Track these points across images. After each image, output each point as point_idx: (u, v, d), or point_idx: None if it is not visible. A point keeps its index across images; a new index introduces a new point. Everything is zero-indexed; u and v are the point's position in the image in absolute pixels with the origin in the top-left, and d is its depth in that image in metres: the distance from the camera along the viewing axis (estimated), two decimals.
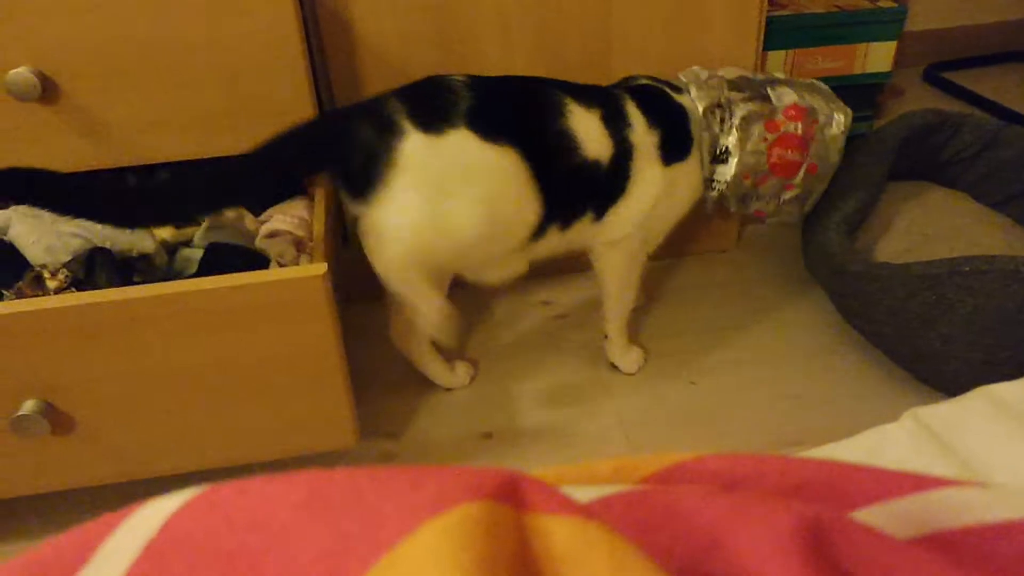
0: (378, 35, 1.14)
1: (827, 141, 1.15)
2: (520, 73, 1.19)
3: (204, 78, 0.96)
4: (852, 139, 1.19)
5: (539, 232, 1.02)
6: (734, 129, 1.11)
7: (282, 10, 0.95)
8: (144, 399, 0.91)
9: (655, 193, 1.09)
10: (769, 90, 1.14)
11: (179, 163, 1.02)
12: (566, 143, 1.00)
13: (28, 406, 0.86)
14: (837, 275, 1.18)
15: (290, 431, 0.98)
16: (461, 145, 0.92)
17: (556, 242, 1.07)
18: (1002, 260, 1.00)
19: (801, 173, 1.16)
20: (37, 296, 0.87)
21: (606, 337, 1.24)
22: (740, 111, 1.11)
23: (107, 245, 0.94)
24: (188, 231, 1.01)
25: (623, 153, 1.04)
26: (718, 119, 1.11)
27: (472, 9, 1.15)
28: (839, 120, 1.15)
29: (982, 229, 1.30)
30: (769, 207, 1.19)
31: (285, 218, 1.04)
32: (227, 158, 0.93)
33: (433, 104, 0.93)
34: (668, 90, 1.13)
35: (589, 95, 1.04)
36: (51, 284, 0.89)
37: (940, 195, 1.41)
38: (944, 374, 1.11)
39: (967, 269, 1.02)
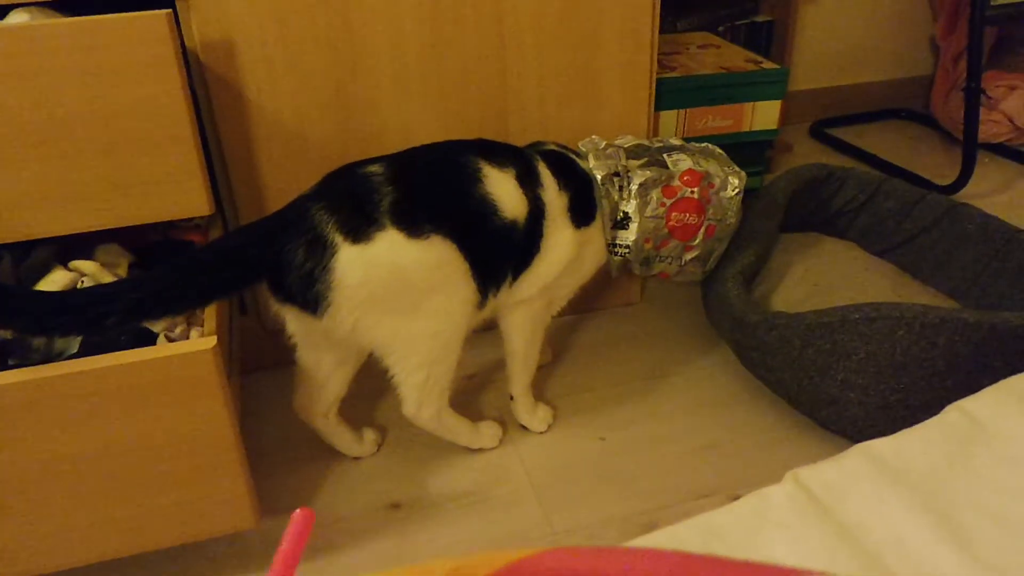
0: (272, 102, 1.13)
1: (723, 203, 1.19)
2: (418, 137, 1.20)
3: (85, 149, 0.93)
4: (745, 194, 1.23)
5: (482, 303, 1.05)
6: (633, 196, 1.14)
7: (167, 78, 0.92)
8: (24, 492, 0.84)
9: (567, 254, 1.11)
10: (665, 157, 1.18)
11: (59, 239, 0.98)
12: (487, 208, 1.01)
13: None
14: (737, 326, 1.20)
15: (185, 515, 0.92)
16: (390, 247, 0.94)
17: (489, 311, 1.09)
18: (888, 307, 1.04)
19: (700, 235, 1.19)
20: None
21: (511, 398, 1.23)
22: (638, 178, 1.14)
23: None
24: None
25: (537, 212, 1.06)
26: (616, 187, 1.14)
27: (370, 76, 1.15)
28: (733, 183, 1.19)
29: (870, 277, 1.36)
30: (671, 268, 1.22)
31: None
32: (154, 271, 0.88)
33: (356, 208, 0.93)
34: (574, 156, 1.16)
35: (502, 155, 1.06)
36: None
37: (830, 245, 1.47)
38: (843, 419, 1.14)
39: (857, 317, 1.05)
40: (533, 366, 1.22)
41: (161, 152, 0.96)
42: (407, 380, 1.05)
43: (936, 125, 2.38)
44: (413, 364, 1.04)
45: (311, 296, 0.93)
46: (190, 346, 0.84)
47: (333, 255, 0.91)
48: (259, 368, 1.35)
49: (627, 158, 1.17)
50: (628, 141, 1.22)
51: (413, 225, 0.95)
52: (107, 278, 1.00)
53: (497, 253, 1.05)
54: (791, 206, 1.44)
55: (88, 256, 1.05)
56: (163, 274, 0.86)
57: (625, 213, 1.15)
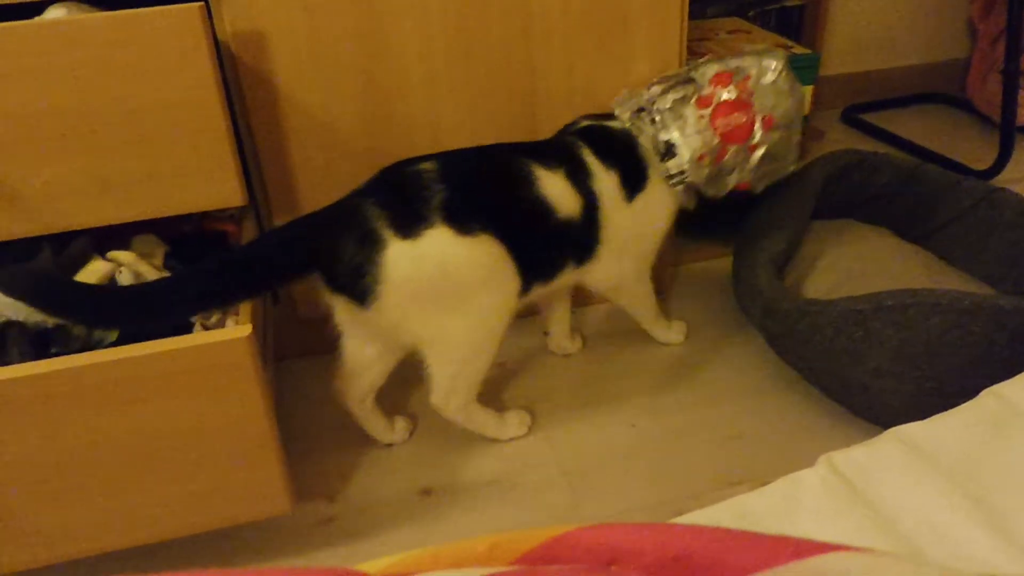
0: (302, 93, 1.14)
1: (768, 90, 1.14)
2: (447, 128, 1.21)
3: (120, 141, 0.94)
4: (776, 181, 1.21)
5: (524, 292, 1.06)
6: (668, 121, 1.12)
7: (200, 70, 0.94)
8: (65, 477, 0.86)
9: (627, 232, 1.13)
10: (694, 73, 1.15)
11: (96, 229, 1.00)
12: (540, 209, 1.03)
13: None
14: (768, 314, 1.20)
15: (221, 500, 0.94)
16: (439, 244, 0.95)
17: (540, 293, 1.11)
18: (923, 294, 1.03)
19: (757, 131, 1.14)
20: None
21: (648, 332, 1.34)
22: (664, 102, 1.12)
23: (20, 318, 0.91)
24: None
25: (591, 204, 1.08)
26: (648, 120, 1.13)
27: (397, 66, 1.16)
28: (771, 65, 1.14)
29: (904, 264, 1.34)
30: (746, 176, 1.18)
31: None
32: (208, 264, 0.92)
33: (407, 205, 0.95)
34: (608, 123, 1.16)
35: (550, 155, 1.07)
36: None
37: (863, 232, 1.45)
38: (876, 407, 1.13)
39: (891, 304, 1.04)
40: (654, 308, 1.31)
41: (194, 143, 0.97)
42: (439, 371, 1.06)
43: (973, 109, 2.33)
44: (448, 358, 1.05)
45: (359, 288, 0.95)
46: (225, 334, 0.85)
47: (383, 250, 0.93)
48: (292, 356, 1.37)
49: (648, 89, 1.15)
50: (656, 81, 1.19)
51: (462, 223, 0.96)
52: (144, 267, 1.02)
53: (550, 250, 1.07)
54: (823, 193, 1.42)
55: (125, 246, 1.07)
56: (218, 266, 0.90)
57: (667, 142, 1.13)
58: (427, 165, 0.99)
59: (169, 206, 1.00)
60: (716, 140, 1.13)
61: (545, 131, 1.21)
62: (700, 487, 1.11)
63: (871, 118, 2.30)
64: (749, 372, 1.33)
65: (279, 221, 1.21)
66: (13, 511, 0.87)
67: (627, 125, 1.14)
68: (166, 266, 1.07)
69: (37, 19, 0.95)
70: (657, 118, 1.13)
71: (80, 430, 0.84)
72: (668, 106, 1.12)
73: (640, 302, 1.28)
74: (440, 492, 1.12)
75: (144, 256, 1.06)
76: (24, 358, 0.88)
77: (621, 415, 1.24)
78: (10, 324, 0.91)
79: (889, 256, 1.37)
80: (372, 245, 0.93)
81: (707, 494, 1.10)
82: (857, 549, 0.35)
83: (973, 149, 2.08)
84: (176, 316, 0.86)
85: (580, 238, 1.09)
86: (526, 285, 1.05)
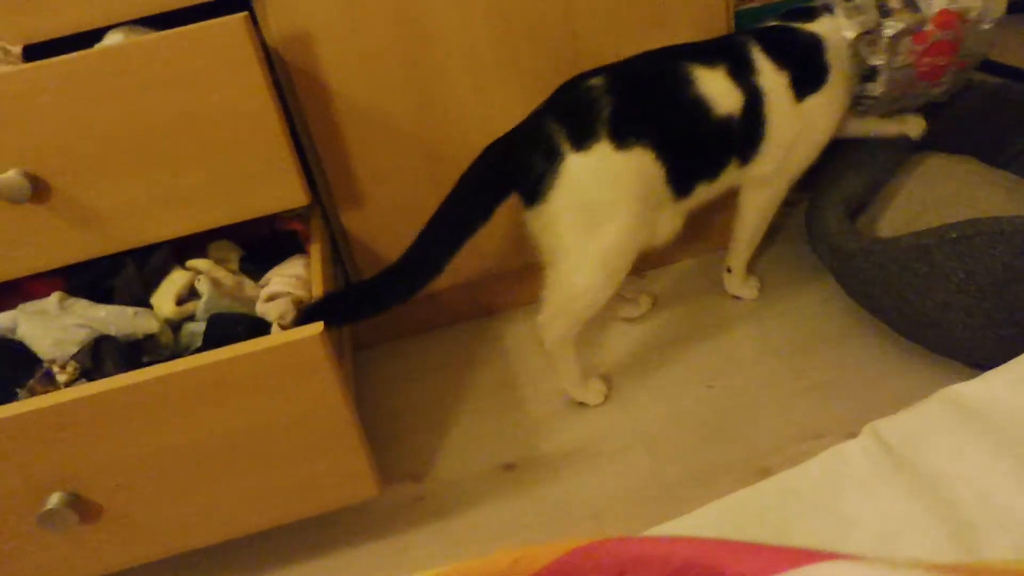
0: (352, 88, 1.16)
1: (978, 36, 1.12)
2: (495, 105, 1.21)
3: (185, 155, 0.98)
4: None
5: (687, 193, 1.10)
6: (883, 48, 1.10)
7: (251, 78, 0.96)
8: (166, 478, 0.92)
9: (793, 131, 1.14)
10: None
11: (174, 240, 1.05)
12: (699, 109, 1.06)
13: (54, 500, 0.88)
14: (836, 255, 1.17)
15: (312, 490, 0.99)
16: (602, 157, 1.02)
17: (707, 194, 1.14)
18: (986, 222, 0.99)
19: (949, 73, 1.14)
20: (48, 392, 0.89)
21: (728, 271, 1.35)
22: (889, 31, 1.09)
23: (111, 332, 0.96)
24: (189, 307, 1.03)
25: (754, 100, 1.09)
26: (866, 43, 1.11)
27: (439, 49, 1.16)
28: (994, 11, 1.11)
29: (983, 191, 1.28)
30: (915, 104, 1.22)
31: (283, 279, 1.06)
32: (445, 204, 1.04)
33: (580, 119, 1.02)
34: (798, 24, 1.16)
35: (713, 53, 1.10)
36: (61, 378, 0.92)
37: (942, 161, 1.38)
38: (950, 342, 1.10)
39: (954, 236, 1.01)
40: (758, 242, 1.32)
41: (255, 150, 1.01)
42: (558, 290, 1.11)
43: None
44: (571, 280, 1.09)
45: (534, 191, 1.03)
46: (299, 333, 0.89)
47: (562, 162, 1.01)
48: (371, 345, 1.41)
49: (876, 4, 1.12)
50: None
51: (620, 136, 1.01)
52: (221, 273, 1.07)
53: (712, 147, 1.09)
54: None
55: (202, 253, 1.12)
56: (455, 201, 1.03)
57: (874, 68, 1.12)
58: (596, 80, 1.04)
59: (238, 212, 1.04)
60: (914, 76, 1.12)
61: None
62: (782, 442, 1.10)
63: None
64: (826, 320, 1.30)
65: (345, 215, 1.25)
66: (122, 512, 0.93)
67: (830, 30, 1.13)
68: (242, 270, 1.12)
69: (98, 46, 0.99)
70: (876, 44, 1.11)
71: (174, 433, 0.90)
72: (892, 34, 1.09)
73: (762, 218, 1.28)
74: (523, 466, 1.14)
75: (220, 262, 1.11)
76: (118, 369, 0.94)
77: (697, 376, 1.24)
78: (104, 338, 0.97)
79: (969, 184, 1.31)
80: (554, 157, 1.01)
81: (790, 447, 1.09)
82: (852, 557, 0.35)
83: None
84: (437, 268, 1.02)
85: (743, 134, 1.10)
86: (688, 186, 1.09)
